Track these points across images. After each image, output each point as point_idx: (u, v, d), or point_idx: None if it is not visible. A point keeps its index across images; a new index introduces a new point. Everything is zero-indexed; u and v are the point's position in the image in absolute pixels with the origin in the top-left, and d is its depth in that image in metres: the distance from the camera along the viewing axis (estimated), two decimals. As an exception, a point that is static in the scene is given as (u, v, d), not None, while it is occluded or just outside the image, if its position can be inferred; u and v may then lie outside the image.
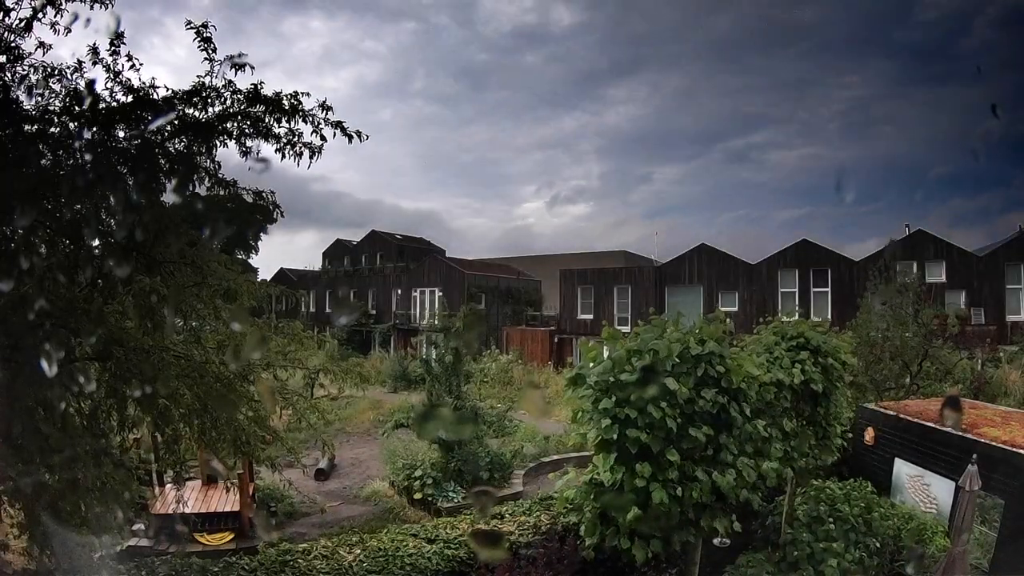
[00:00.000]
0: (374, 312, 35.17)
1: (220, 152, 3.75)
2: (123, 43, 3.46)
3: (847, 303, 19.25)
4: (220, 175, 3.77)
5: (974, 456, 5.56)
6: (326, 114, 3.77)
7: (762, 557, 6.07)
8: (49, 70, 3.48)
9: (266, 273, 41.16)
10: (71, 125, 3.48)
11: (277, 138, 3.78)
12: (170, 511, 7.77)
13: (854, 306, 14.44)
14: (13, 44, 3.43)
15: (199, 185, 3.71)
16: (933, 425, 7.18)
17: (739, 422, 4.68)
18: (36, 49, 3.48)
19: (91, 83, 3.45)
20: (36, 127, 3.42)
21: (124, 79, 3.51)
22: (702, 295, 24.58)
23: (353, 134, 3.85)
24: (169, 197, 3.72)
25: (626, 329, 5.38)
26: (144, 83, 3.54)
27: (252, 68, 3.59)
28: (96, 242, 3.60)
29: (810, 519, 6.29)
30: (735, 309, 23.03)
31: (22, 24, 3.42)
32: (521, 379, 21.99)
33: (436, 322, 21.21)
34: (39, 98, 3.44)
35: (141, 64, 3.51)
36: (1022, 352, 16.77)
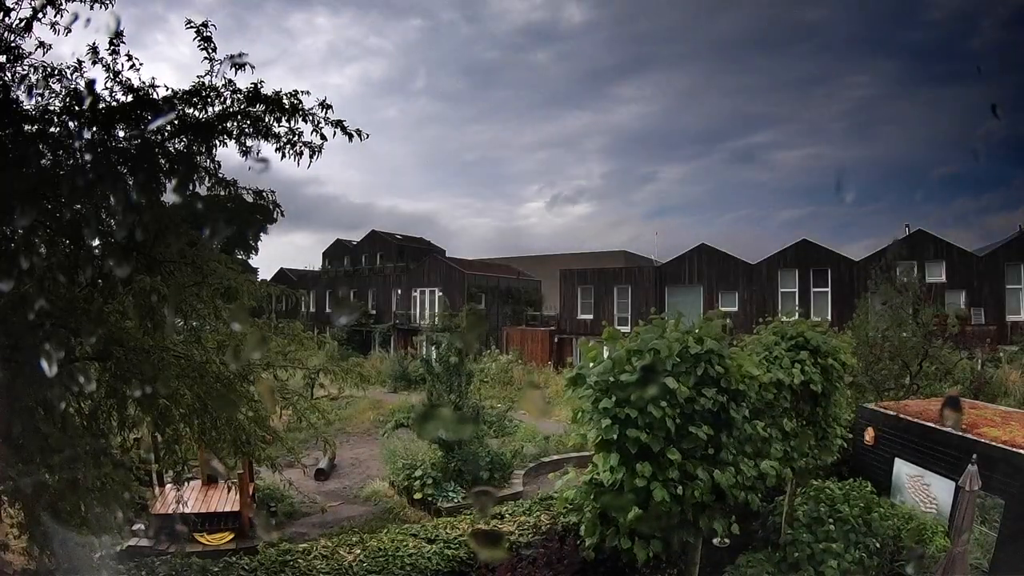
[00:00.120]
0: (374, 312, 35.18)
1: (220, 152, 3.76)
2: (123, 42, 3.46)
3: (847, 303, 19.26)
4: (220, 175, 3.77)
5: (974, 456, 5.56)
6: (326, 113, 3.77)
7: (762, 557, 6.07)
8: (49, 70, 3.48)
9: (266, 273, 41.20)
10: (71, 125, 3.48)
11: (277, 137, 3.78)
12: (170, 511, 7.77)
13: (854, 306, 14.45)
14: (13, 44, 3.43)
15: (199, 185, 3.71)
16: (933, 425, 7.18)
17: (739, 422, 4.68)
18: (36, 49, 3.49)
19: (91, 83, 3.46)
20: (36, 127, 3.42)
21: (124, 79, 3.51)
22: (702, 295, 24.59)
23: (353, 133, 3.85)
24: (169, 197, 3.72)
25: (626, 329, 5.38)
26: (144, 83, 3.54)
27: (252, 68, 3.59)
28: (96, 242, 3.60)
29: (810, 519, 6.29)
30: (735, 309, 23.03)
31: (22, 24, 3.42)
32: (521, 379, 22.00)
33: (437, 322, 21.21)
34: (39, 98, 3.44)
35: (141, 64, 3.52)
36: (1022, 352, 16.78)
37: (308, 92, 3.76)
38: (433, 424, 1.10)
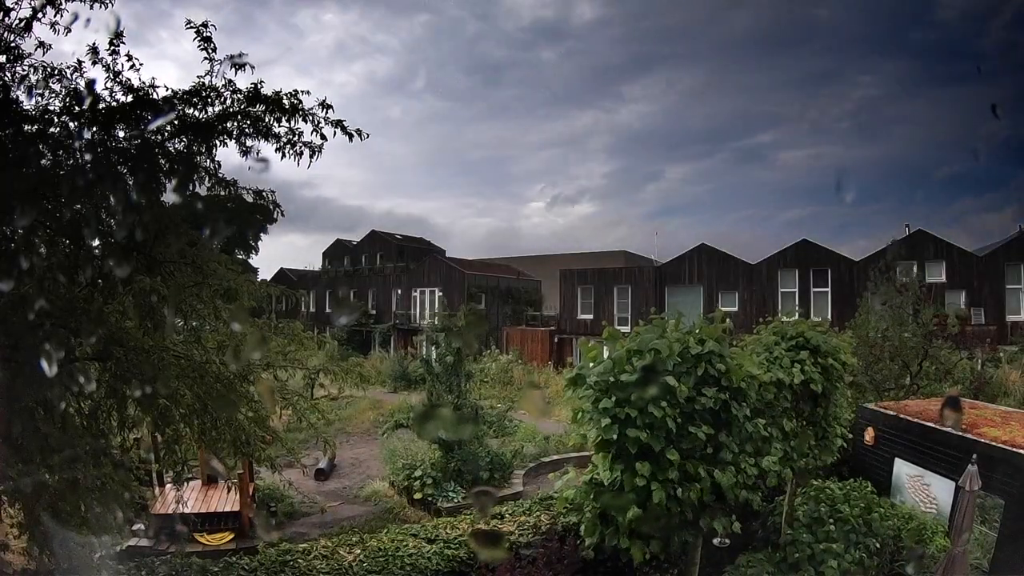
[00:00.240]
0: (374, 312, 35.17)
1: (220, 152, 3.76)
2: (123, 42, 3.47)
3: (847, 303, 19.26)
4: (220, 175, 3.77)
5: (974, 456, 5.56)
6: (326, 113, 3.77)
7: (762, 557, 6.07)
8: (49, 70, 3.49)
9: (266, 273, 41.18)
10: (71, 125, 3.48)
11: (277, 137, 3.78)
12: (170, 511, 7.77)
13: (854, 306, 14.45)
14: (13, 44, 3.43)
15: (199, 185, 3.71)
16: (933, 425, 7.18)
17: (739, 421, 4.68)
18: (36, 49, 3.49)
19: (91, 83, 3.46)
20: (36, 127, 3.42)
21: (124, 79, 3.51)
22: (702, 295, 24.59)
23: (353, 133, 3.85)
24: (169, 197, 3.72)
25: (626, 329, 5.38)
26: (144, 83, 3.54)
27: (252, 68, 3.60)
28: (96, 242, 3.61)
29: (810, 519, 6.29)
30: (735, 309, 23.02)
31: (22, 24, 3.42)
32: (521, 379, 22.00)
33: (436, 321, 21.22)
34: (39, 98, 3.44)
35: (141, 64, 3.52)
36: (1022, 352, 16.78)
37: (308, 92, 3.76)
38: (433, 424, 1.11)
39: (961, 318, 13.76)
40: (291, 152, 3.79)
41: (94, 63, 3.49)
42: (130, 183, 3.45)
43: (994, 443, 6.25)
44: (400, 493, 10.40)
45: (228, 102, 3.67)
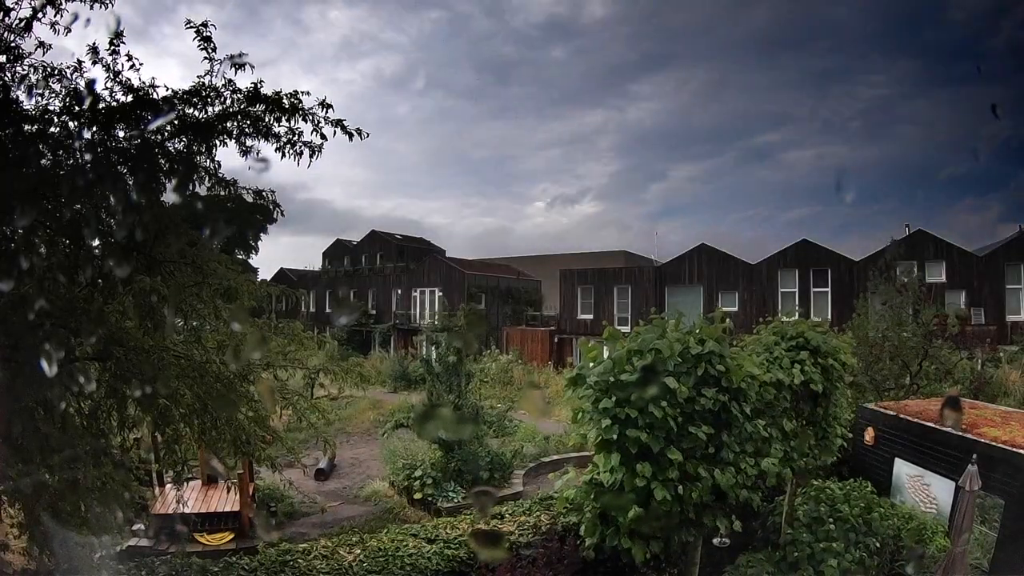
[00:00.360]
0: (374, 312, 35.17)
1: (220, 152, 3.76)
2: (123, 42, 3.47)
3: (847, 303, 19.25)
4: (220, 175, 3.78)
5: (974, 456, 5.56)
6: (326, 112, 3.77)
7: (762, 557, 6.07)
8: (49, 70, 3.48)
9: (266, 273, 41.17)
10: (71, 125, 3.48)
11: (277, 137, 3.78)
12: (170, 511, 7.77)
13: (854, 306, 14.45)
14: (13, 44, 3.43)
15: (199, 185, 3.71)
16: (933, 425, 7.18)
17: (739, 421, 4.68)
18: (36, 49, 3.49)
19: (91, 83, 3.46)
20: (36, 127, 3.42)
21: (124, 79, 3.51)
22: (702, 295, 24.59)
23: (353, 132, 3.85)
24: (169, 197, 3.72)
25: (626, 329, 5.38)
26: (144, 83, 3.54)
27: (252, 67, 3.60)
28: (96, 242, 3.61)
29: (810, 519, 6.29)
30: (735, 309, 23.03)
31: (22, 24, 3.42)
32: (521, 379, 22.00)
33: (436, 321, 21.24)
34: (39, 98, 3.44)
35: (141, 64, 3.52)
36: (1022, 352, 16.78)
37: (308, 92, 3.76)
38: (433, 424, 1.11)
39: (961, 318, 13.76)
40: (291, 152, 3.80)
41: (94, 63, 3.49)
42: (130, 183, 3.45)
43: (994, 443, 6.25)
44: (400, 493, 10.40)
45: (228, 102, 3.67)
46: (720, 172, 69.10)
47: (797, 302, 22.11)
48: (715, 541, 5.25)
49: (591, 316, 26.77)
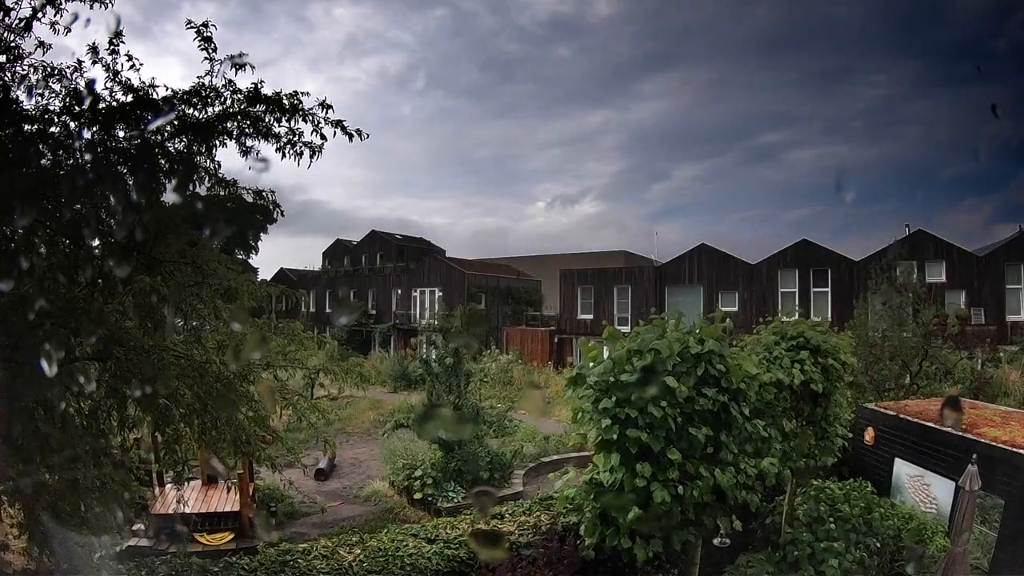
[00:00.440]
0: (374, 312, 35.18)
1: (220, 152, 3.76)
2: (123, 42, 3.47)
3: (847, 303, 19.25)
4: (220, 175, 3.78)
5: (974, 456, 5.56)
6: (326, 113, 3.77)
7: (762, 557, 6.07)
8: (49, 70, 3.49)
9: (266, 273, 41.16)
10: (71, 125, 3.48)
11: (277, 138, 3.78)
12: (170, 511, 7.77)
13: (854, 306, 14.45)
14: (13, 44, 3.43)
15: (199, 185, 3.72)
16: (933, 425, 7.18)
17: (739, 422, 4.68)
18: (36, 49, 3.49)
19: (91, 83, 3.46)
20: (36, 127, 3.42)
21: (124, 79, 3.51)
22: (702, 295, 24.59)
23: (353, 132, 3.85)
24: (169, 197, 3.72)
25: (626, 329, 5.38)
26: (144, 83, 3.54)
27: (253, 67, 3.60)
28: (96, 242, 3.61)
29: (810, 519, 6.29)
30: (735, 309, 23.03)
31: (22, 24, 3.42)
32: (521, 379, 22.00)
33: (435, 322, 21.21)
34: (39, 98, 3.44)
35: (141, 64, 3.52)
36: (1022, 352, 16.78)
37: (308, 93, 3.77)
38: (433, 424, 1.11)
39: (961, 318, 13.76)
40: (291, 152, 3.80)
41: (94, 63, 3.49)
42: (130, 183, 3.45)
43: (994, 443, 6.25)
44: (400, 493, 10.40)
45: (228, 102, 3.67)
46: (722, 172, 69.00)
47: (797, 302, 22.11)
48: (715, 541, 5.24)
49: (591, 316, 26.77)
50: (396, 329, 33.39)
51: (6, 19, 3.41)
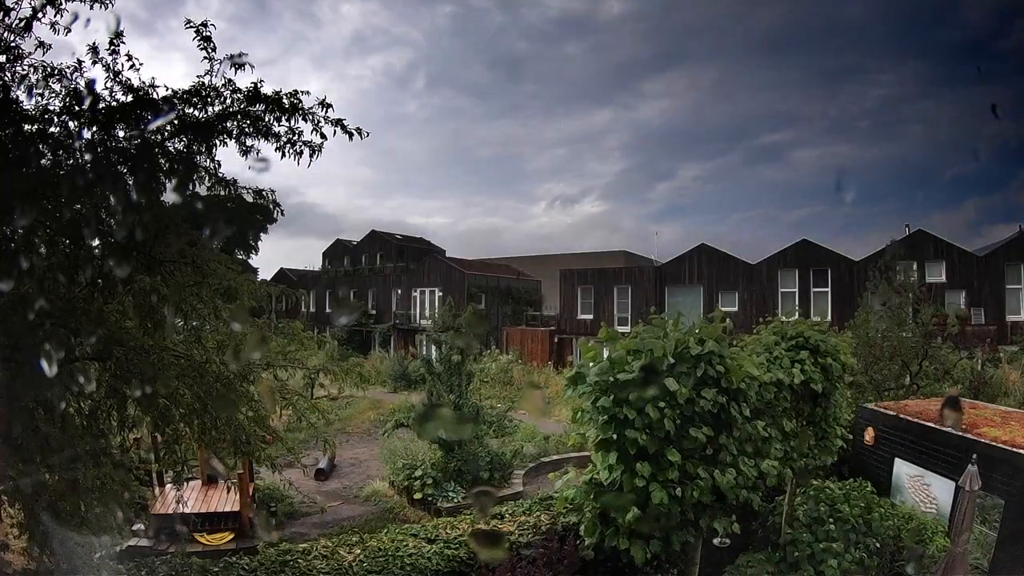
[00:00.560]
0: (374, 312, 35.18)
1: (220, 152, 3.76)
2: (123, 42, 3.47)
3: (847, 303, 19.26)
4: (220, 174, 3.78)
5: (974, 456, 5.56)
6: (326, 112, 3.77)
7: (762, 557, 6.07)
8: (49, 70, 3.48)
9: (266, 273, 41.17)
10: (71, 125, 3.48)
11: (277, 137, 3.78)
12: (170, 511, 7.77)
13: (854, 306, 14.46)
14: (13, 44, 3.43)
15: (199, 185, 3.72)
16: (933, 425, 7.18)
17: (739, 422, 4.68)
18: (36, 49, 3.49)
19: (91, 83, 3.46)
20: (36, 127, 3.42)
21: (124, 79, 3.51)
22: (702, 295, 24.59)
23: (353, 131, 3.85)
24: (169, 197, 3.72)
25: (626, 329, 5.38)
26: (144, 82, 3.54)
27: (252, 67, 3.60)
28: (96, 242, 3.61)
29: (810, 519, 6.29)
30: (735, 309, 23.04)
31: (22, 24, 3.42)
32: (521, 379, 22.00)
33: (440, 320, 21.23)
34: (39, 98, 3.44)
35: (141, 64, 3.52)
36: (1022, 352, 16.78)
37: (308, 92, 3.77)
38: (433, 424, 1.11)
39: (961, 318, 13.76)
40: (291, 152, 3.80)
41: (94, 63, 3.49)
42: (130, 183, 3.45)
43: (994, 443, 6.25)
44: (400, 493, 10.40)
45: (228, 101, 3.67)
46: (726, 172, 68.85)
47: (797, 302, 22.12)
48: (715, 541, 5.24)
49: (591, 316, 26.76)
50: (396, 329, 33.40)
51: (6, 19, 3.41)
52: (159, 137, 3.56)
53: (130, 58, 3.49)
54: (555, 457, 12.23)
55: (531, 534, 5.90)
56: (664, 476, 4.33)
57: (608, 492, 4.47)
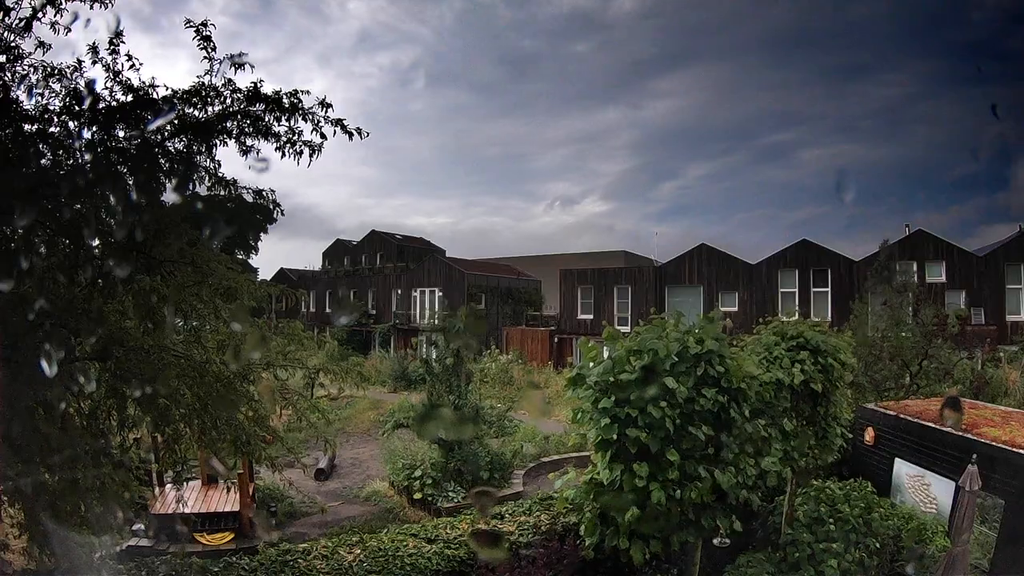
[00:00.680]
0: (374, 312, 35.18)
1: (220, 152, 3.76)
2: (123, 42, 3.47)
3: (847, 303, 19.25)
4: (220, 174, 3.78)
5: (974, 456, 5.56)
6: (326, 111, 3.77)
7: (762, 557, 6.07)
8: (49, 70, 3.48)
9: (266, 273, 41.18)
10: (71, 125, 3.48)
11: (277, 137, 3.78)
12: (170, 511, 7.77)
13: (854, 306, 14.44)
14: (13, 44, 3.43)
15: (199, 185, 3.72)
16: (933, 425, 7.18)
17: (739, 422, 4.68)
18: (36, 49, 3.48)
19: (91, 83, 3.45)
20: (36, 127, 3.42)
21: (124, 79, 3.51)
22: (702, 295, 24.59)
23: (353, 131, 3.85)
24: (169, 197, 3.72)
25: (626, 329, 5.38)
26: (144, 82, 3.54)
27: (252, 67, 3.60)
28: (96, 242, 3.60)
29: (810, 519, 6.29)
30: (735, 309, 23.04)
31: (22, 24, 3.41)
32: (521, 379, 22.00)
33: (435, 321, 21.24)
34: (39, 98, 3.44)
35: (141, 63, 3.52)
36: (1022, 352, 16.78)
37: (308, 91, 3.76)
38: (433, 424, 1.11)
39: (961, 318, 13.75)
40: (291, 151, 3.79)
41: (94, 63, 3.49)
42: (130, 183, 3.45)
43: (994, 443, 6.24)
44: (400, 493, 10.40)
45: (228, 101, 3.67)
46: (732, 171, 68.55)
47: (797, 302, 22.11)
48: (715, 541, 5.24)
49: (591, 316, 26.76)
50: (396, 329, 33.39)
51: (6, 19, 3.40)
52: (159, 137, 3.56)
53: (130, 58, 3.49)
54: (555, 457, 12.23)
55: (531, 534, 5.90)
56: (664, 476, 4.33)
57: (608, 492, 4.47)
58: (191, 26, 3.54)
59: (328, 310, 36.64)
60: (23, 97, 3.46)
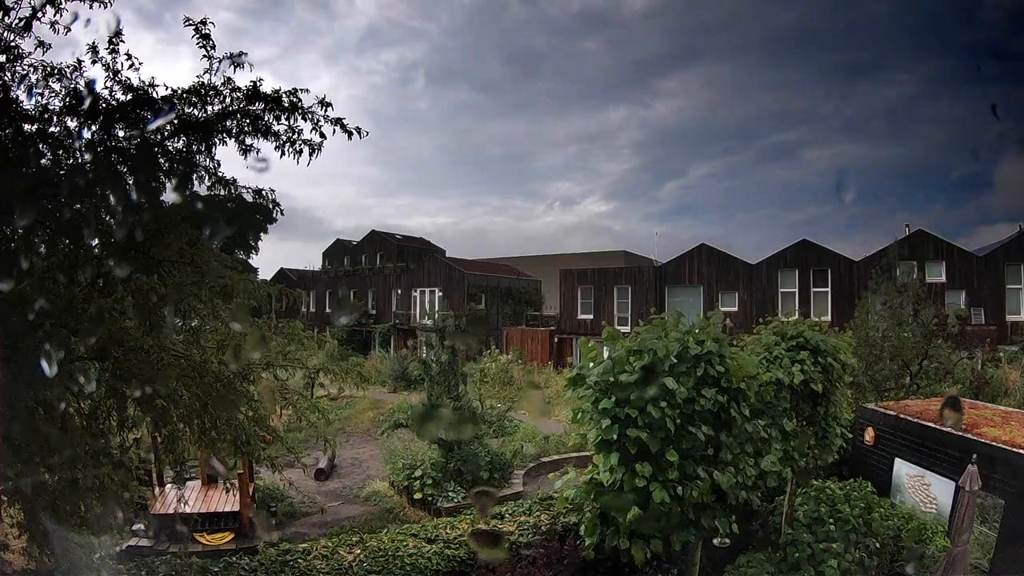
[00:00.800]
0: (374, 312, 35.18)
1: (220, 151, 3.76)
2: (122, 41, 3.46)
3: (847, 303, 19.25)
4: (220, 174, 3.77)
5: (974, 456, 5.55)
6: (326, 111, 3.77)
7: (762, 557, 6.07)
8: (49, 70, 3.48)
9: (266, 273, 41.17)
10: (71, 125, 3.48)
11: (276, 136, 3.78)
12: (170, 511, 7.77)
13: (854, 306, 14.45)
14: (13, 44, 3.42)
15: (199, 184, 3.71)
16: (933, 425, 7.18)
17: (739, 422, 4.68)
18: (36, 49, 3.48)
19: (91, 83, 3.45)
20: (36, 127, 3.42)
21: (124, 78, 3.51)
22: (702, 295, 24.59)
23: (353, 131, 3.85)
24: (169, 197, 3.72)
25: (626, 329, 5.38)
26: (143, 82, 3.54)
27: (251, 66, 3.60)
28: (95, 242, 3.60)
29: (810, 519, 6.29)
30: (735, 309, 23.03)
31: (22, 24, 3.41)
32: (521, 379, 22.00)
33: (430, 322, 21.25)
34: (39, 98, 3.43)
35: (141, 63, 3.52)
36: (1022, 352, 16.77)
37: (307, 90, 3.76)
38: (433, 424, 1.11)
39: (961, 318, 13.74)
40: (290, 150, 3.79)
41: (94, 62, 3.49)
42: (130, 183, 3.45)
43: (994, 443, 6.24)
44: (400, 493, 10.40)
45: (227, 100, 3.67)
46: (737, 170, 68.33)
47: (797, 302, 22.11)
48: (715, 541, 5.24)
49: (591, 316, 26.76)
50: (396, 329, 33.39)
51: (6, 19, 3.40)
52: (159, 136, 3.56)
53: (130, 57, 3.49)
54: (555, 457, 12.23)
55: (531, 534, 5.90)
56: (664, 476, 4.33)
57: (608, 492, 4.47)
58: (190, 24, 3.54)
59: (328, 310, 36.64)
60: (23, 97, 3.46)
